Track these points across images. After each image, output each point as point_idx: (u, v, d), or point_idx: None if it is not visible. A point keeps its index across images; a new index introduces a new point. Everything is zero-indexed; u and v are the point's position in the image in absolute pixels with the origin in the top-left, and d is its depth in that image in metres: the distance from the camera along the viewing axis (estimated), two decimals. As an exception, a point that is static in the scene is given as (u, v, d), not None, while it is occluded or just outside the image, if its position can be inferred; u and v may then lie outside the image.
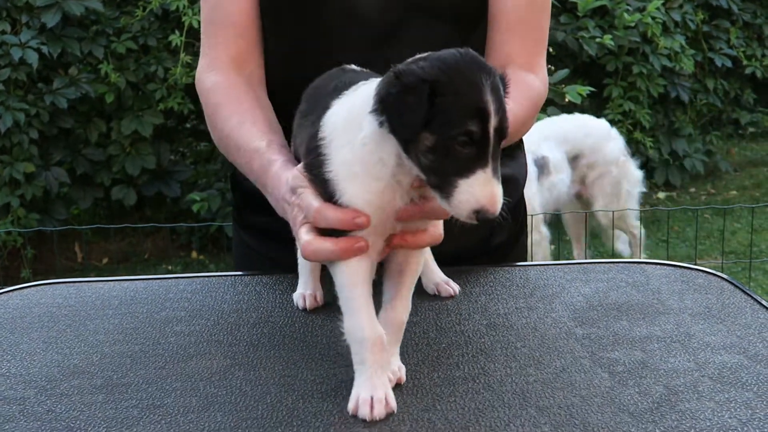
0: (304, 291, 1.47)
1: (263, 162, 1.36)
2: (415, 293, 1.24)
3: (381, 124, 1.09)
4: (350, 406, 1.13)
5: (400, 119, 1.08)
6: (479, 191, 1.06)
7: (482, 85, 1.06)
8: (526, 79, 1.56)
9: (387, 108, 1.08)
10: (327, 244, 1.14)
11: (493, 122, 1.07)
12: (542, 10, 1.60)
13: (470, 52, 1.11)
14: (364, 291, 1.15)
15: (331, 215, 1.13)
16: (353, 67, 1.35)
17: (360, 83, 1.20)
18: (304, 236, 1.16)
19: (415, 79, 1.07)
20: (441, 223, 1.22)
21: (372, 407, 1.11)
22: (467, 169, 1.06)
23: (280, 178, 1.29)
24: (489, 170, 1.07)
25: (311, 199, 1.16)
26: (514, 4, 1.57)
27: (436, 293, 1.51)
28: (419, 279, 1.45)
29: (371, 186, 1.13)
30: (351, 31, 1.53)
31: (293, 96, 1.39)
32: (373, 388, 1.13)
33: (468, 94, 1.06)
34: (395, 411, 1.12)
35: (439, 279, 1.52)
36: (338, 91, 1.22)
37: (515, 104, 1.50)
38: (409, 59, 1.11)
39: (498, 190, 1.08)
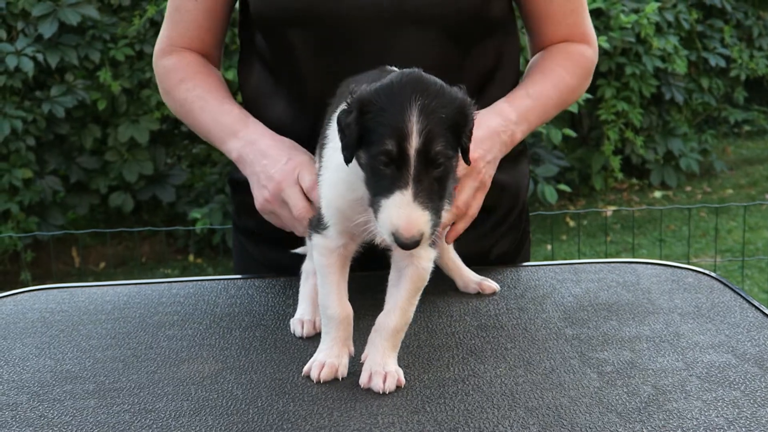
0: (302, 317, 1.40)
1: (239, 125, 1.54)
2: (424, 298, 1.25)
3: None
4: (305, 367, 1.24)
5: (343, 140, 1.11)
6: (394, 213, 1.06)
7: (407, 105, 1.05)
8: (580, 49, 1.66)
9: (339, 129, 1.12)
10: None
11: (414, 143, 1.05)
12: None
13: (416, 72, 1.10)
14: (336, 272, 1.24)
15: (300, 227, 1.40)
16: (393, 68, 1.32)
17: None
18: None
19: (354, 100, 1.09)
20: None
21: (321, 370, 1.22)
22: (388, 189, 1.07)
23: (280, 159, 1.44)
24: (408, 193, 1.06)
25: (298, 199, 1.38)
26: None
27: (479, 291, 1.53)
28: (457, 283, 1.56)
29: (346, 195, 1.19)
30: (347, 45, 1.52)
31: (292, 113, 1.56)
32: (328, 356, 1.24)
33: (388, 113, 1.06)
34: (342, 378, 1.22)
35: (478, 279, 1.54)
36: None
37: (567, 74, 1.63)
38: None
39: (416, 214, 1.06)
